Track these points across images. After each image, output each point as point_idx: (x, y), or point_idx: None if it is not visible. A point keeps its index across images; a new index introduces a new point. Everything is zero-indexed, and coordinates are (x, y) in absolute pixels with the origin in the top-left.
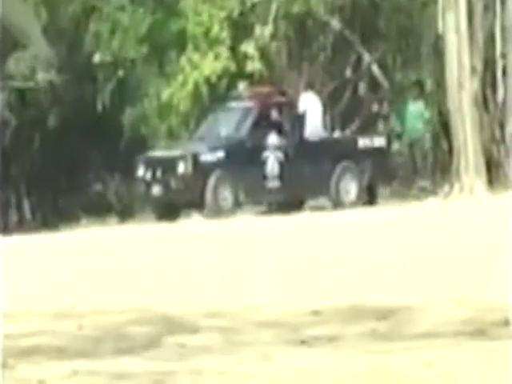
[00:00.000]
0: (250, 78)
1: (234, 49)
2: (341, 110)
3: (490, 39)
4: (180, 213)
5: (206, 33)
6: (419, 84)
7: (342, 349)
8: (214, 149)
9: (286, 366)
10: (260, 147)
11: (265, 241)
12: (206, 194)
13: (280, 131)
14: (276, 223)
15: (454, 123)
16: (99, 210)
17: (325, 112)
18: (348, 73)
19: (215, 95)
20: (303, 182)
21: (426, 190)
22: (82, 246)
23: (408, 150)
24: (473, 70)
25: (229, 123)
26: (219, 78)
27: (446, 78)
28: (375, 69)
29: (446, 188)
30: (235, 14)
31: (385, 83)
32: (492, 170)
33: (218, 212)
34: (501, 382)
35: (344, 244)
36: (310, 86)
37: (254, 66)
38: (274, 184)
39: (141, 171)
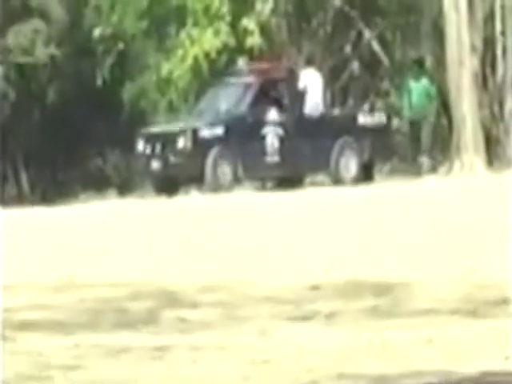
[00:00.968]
0: (249, 53)
1: (234, 24)
2: (341, 85)
3: (490, 18)
4: (179, 188)
5: (206, 8)
6: (419, 61)
7: (340, 324)
8: (213, 124)
9: (284, 341)
10: (260, 123)
11: (263, 216)
12: (206, 169)
13: (280, 107)
14: (275, 199)
15: (454, 100)
16: (98, 184)
17: (325, 88)
18: (348, 49)
19: (215, 70)
20: (303, 158)
21: (425, 167)
22: (81, 220)
23: (409, 127)
24: (472, 47)
25: (228, 99)
26: (219, 53)
27: (446, 56)
28: (375, 45)
29: (446, 165)
30: None
31: (385, 60)
32: (491, 147)
33: (216, 187)
34: (499, 360)
35: (343, 220)
36: (310, 61)
37: (254, 41)
38: (273, 160)
39: (140, 146)
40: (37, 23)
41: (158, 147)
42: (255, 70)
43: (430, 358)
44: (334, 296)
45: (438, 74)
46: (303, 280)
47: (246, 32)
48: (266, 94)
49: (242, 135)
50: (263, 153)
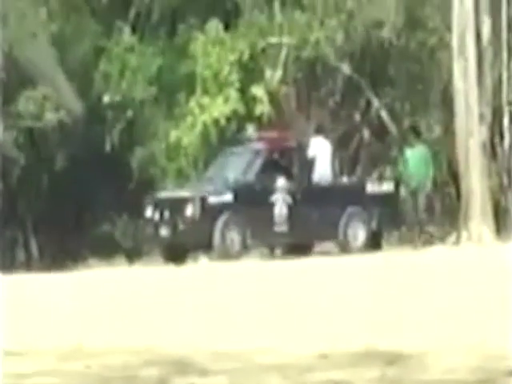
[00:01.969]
0: (259, 121)
1: (243, 92)
2: (349, 154)
3: (498, 87)
4: (187, 255)
5: (216, 75)
6: (414, 129)
7: None
8: (222, 191)
9: None
10: (268, 190)
11: (272, 284)
12: (214, 236)
13: (289, 175)
14: (283, 267)
15: (462, 170)
16: (107, 250)
17: (334, 156)
18: (357, 117)
19: (224, 138)
20: (311, 226)
21: (433, 237)
22: (90, 287)
23: (411, 195)
24: (481, 117)
25: (237, 166)
26: (228, 120)
27: (455, 125)
28: (384, 114)
29: (454, 235)
30: (245, 57)
31: (393, 128)
32: (500, 217)
33: (225, 255)
34: None
35: (351, 289)
36: (319, 130)
37: (263, 109)
38: (281, 227)
39: (149, 212)
40: (46, 89)
41: (167, 213)
42: (264, 138)
43: None
44: (343, 365)
45: (447, 143)
46: (312, 348)
47: (255, 100)
48: (275, 162)
49: (250, 203)
50: (272, 220)
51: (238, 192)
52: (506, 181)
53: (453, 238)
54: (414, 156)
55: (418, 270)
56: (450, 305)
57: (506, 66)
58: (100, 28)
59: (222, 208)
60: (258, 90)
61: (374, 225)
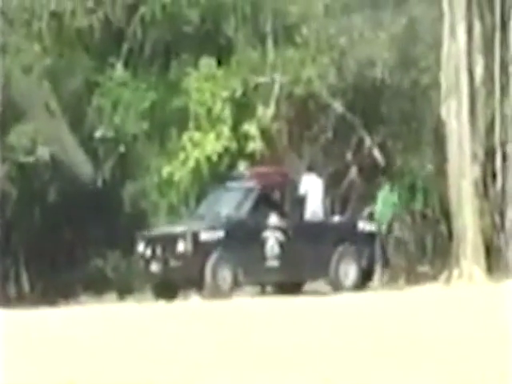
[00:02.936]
0: (251, 157)
1: (235, 128)
2: (341, 192)
3: (491, 127)
4: (178, 291)
5: (208, 111)
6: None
7: None
8: (214, 228)
9: None
10: (260, 227)
11: (263, 323)
12: (205, 272)
13: (280, 212)
14: (274, 305)
15: (455, 209)
16: (98, 285)
17: (325, 194)
18: (349, 155)
19: (216, 174)
20: (302, 264)
21: (425, 275)
22: (81, 323)
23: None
24: (474, 156)
25: (229, 202)
26: (220, 157)
27: (447, 164)
28: (376, 152)
29: (445, 274)
30: (238, 93)
31: (385, 168)
32: (492, 256)
33: (216, 292)
34: None
35: (342, 328)
36: (311, 167)
37: (255, 145)
38: (273, 264)
39: (140, 247)
40: (38, 123)
41: (159, 249)
42: (256, 175)
43: None
44: None
45: (439, 182)
46: None
47: (248, 136)
48: (267, 199)
49: (242, 239)
50: (263, 257)
51: (229, 228)
52: (498, 220)
53: (444, 276)
54: (383, 196)
55: (409, 309)
56: (442, 343)
57: (499, 106)
58: (93, 63)
59: (213, 244)
60: (250, 127)
61: (365, 263)
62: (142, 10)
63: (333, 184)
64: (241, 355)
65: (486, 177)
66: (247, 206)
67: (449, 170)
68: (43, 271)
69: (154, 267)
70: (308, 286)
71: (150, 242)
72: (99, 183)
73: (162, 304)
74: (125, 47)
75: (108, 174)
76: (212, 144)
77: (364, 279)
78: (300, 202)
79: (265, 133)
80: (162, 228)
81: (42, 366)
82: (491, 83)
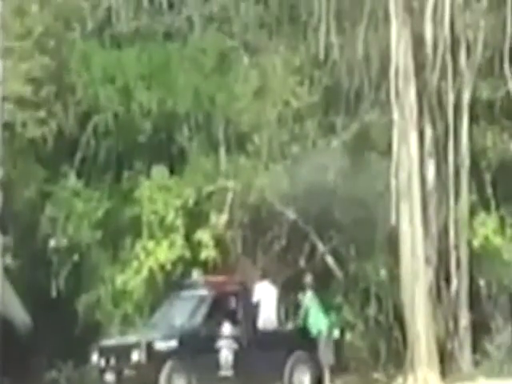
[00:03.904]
0: (204, 265)
1: (188, 237)
2: (295, 298)
3: (444, 231)
4: None
5: (161, 220)
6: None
7: None
8: (168, 337)
9: None
10: (214, 336)
11: None
12: (160, 382)
13: (234, 320)
14: None
15: (408, 315)
16: None
17: (279, 301)
18: (302, 262)
19: (170, 283)
20: (256, 372)
21: (379, 381)
22: None
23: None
24: (427, 261)
25: (183, 311)
26: (174, 265)
27: (401, 269)
28: (329, 258)
29: (400, 380)
30: (191, 202)
31: (339, 273)
32: (445, 362)
33: None
34: None
35: None
36: (264, 274)
37: (208, 253)
38: (227, 373)
39: (94, 358)
40: None
41: (113, 359)
42: (209, 283)
43: None
44: None
45: (392, 287)
46: None
47: (201, 244)
48: (220, 307)
49: (196, 348)
50: (217, 366)
51: (183, 338)
52: (451, 325)
53: (399, 382)
54: (314, 305)
55: None
56: None
57: (453, 211)
58: (46, 173)
59: (167, 354)
60: (203, 235)
61: (319, 370)
62: (95, 119)
63: (286, 291)
64: None
65: (440, 281)
66: (200, 314)
67: (402, 274)
68: None
69: (109, 377)
70: None
71: (104, 352)
72: (53, 293)
73: None
74: (78, 156)
75: (62, 283)
76: (165, 252)
77: None
78: (254, 309)
79: (218, 241)
80: (117, 338)
81: None
82: (443, 187)
